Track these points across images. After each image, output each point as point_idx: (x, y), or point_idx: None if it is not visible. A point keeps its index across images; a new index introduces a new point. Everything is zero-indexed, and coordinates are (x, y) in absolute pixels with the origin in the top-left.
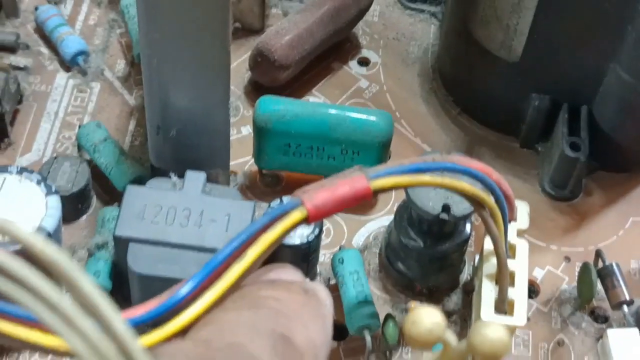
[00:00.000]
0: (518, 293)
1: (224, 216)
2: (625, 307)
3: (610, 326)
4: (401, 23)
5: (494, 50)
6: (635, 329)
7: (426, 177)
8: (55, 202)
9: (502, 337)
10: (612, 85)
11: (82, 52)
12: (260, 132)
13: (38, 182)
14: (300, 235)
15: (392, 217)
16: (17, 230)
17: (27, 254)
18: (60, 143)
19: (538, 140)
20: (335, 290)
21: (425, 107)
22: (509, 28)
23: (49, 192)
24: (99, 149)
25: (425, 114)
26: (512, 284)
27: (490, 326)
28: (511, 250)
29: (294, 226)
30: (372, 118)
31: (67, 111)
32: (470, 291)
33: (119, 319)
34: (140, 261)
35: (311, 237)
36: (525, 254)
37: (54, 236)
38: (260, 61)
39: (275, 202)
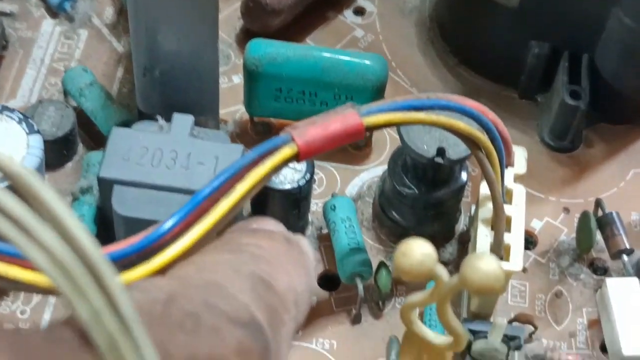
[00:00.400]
0: (514, 238)
1: (212, 159)
2: (624, 257)
3: (610, 277)
4: None
5: None
6: (635, 279)
7: (420, 115)
8: (37, 141)
9: (496, 270)
10: (614, 31)
11: None
12: (251, 76)
13: (19, 121)
14: (291, 180)
15: (386, 167)
16: None
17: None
18: (46, 90)
19: (537, 91)
20: (326, 240)
21: (422, 58)
22: None
23: (30, 131)
24: (85, 94)
25: (422, 65)
26: (509, 229)
27: (483, 258)
28: (508, 196)
29: (284, 163)
30: (367, 61)
31: (54, 58)
32: (466, 241)
33: (86, 236)
34: (125, 203)
35: (302, 182)
36: (523, 199)
37: None
38: (251, 6)
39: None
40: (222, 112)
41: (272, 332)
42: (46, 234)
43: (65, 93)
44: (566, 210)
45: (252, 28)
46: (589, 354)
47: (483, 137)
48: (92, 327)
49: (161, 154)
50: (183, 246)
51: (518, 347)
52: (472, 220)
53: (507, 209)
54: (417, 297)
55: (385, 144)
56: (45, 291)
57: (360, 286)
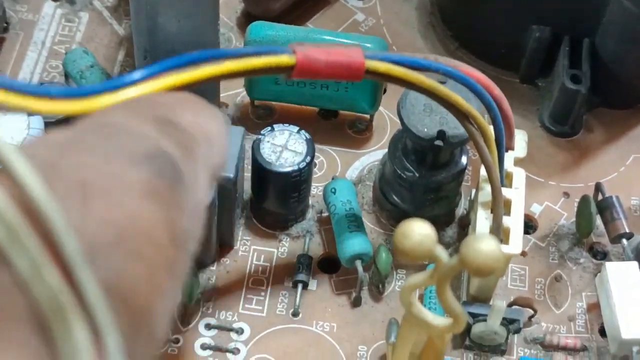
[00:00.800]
0: (514, 221)
1: None
2: (624, 241)
3: (609, 261)
4: None
5: None
6: (635, 263)
7: (421, 77)
8: (37, 122)
9: (495, 251)
10: (615, 15)
11: None
12: None
13: None
14: (292, 163)
15: (387, 150)
16: None
17: None
18: (47, 72)
19: (538, 76)
20: (327, 223)
21: (423, 42)
22: None
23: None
24: (86, 76)
25: (423, 49)
26: (508, 212)
27: (483, 239)
28: (508, 179)
29: (278, 68)
30: (367, 45)
31: (55, 40)
32: (466, 225)
33: None
34: None
35: (302, 165)
36: (523, 183)
37: None
38: None
39: (267, 129)
40: (223, 95)
41: (186, 166)
42: None
43: (66, 75)
44: (566, 194)
45: (253, 12)
46: (588, 337)
47: (480, 118)
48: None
49: None
50: (141, 93)
51: (517, 331)
52: (472, 204)
53: (507, 193)
54: (416, 278)
55: (386, 128)
56: None
57: (360, 269)
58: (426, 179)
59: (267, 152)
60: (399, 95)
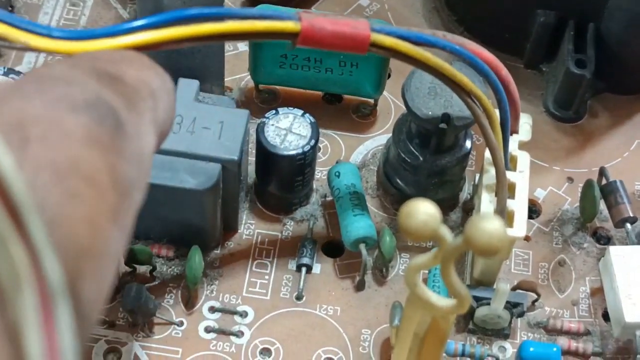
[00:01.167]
0: (518, 205)
1: (217, 123)
2: (628, 225)
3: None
4: None
5: None
6: (638, 247)
7: (427, 54)
8: None
9: (500, 230)
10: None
11: None
12: (256, 43)
13: None
14: (296, 146)
15: (391, 135)
16: None
17: None
18: (52, 57)
19: (543, 61)
20: (331, 207)
21: (428, 26)
22: None
23: None
24: None
25: None
26: (512, 195)
27: (488, 219)
28: (512, 163)
29: (282, 34)
30: None
31: (59, 24)
32: (470, 210)
33: None
34: None
35: (307, 148)
36: (527, 166)
37: None
38: None
39: (271, 113)
40: (228, 79)
41: (129, 115)
42: None
43: None
44: (570, 179)
45: None
46: (592, 322)
47: (485, 99)
48: None
49: None
50: (139, 40)
51: (521, 314)
52: (476, 188)
53: (511, 176)
54: (421, 259)
55: (390, 112)
56: None
57: (364, 253)
58: (430, 163)
59: (272, 135)
60: (404, 80)
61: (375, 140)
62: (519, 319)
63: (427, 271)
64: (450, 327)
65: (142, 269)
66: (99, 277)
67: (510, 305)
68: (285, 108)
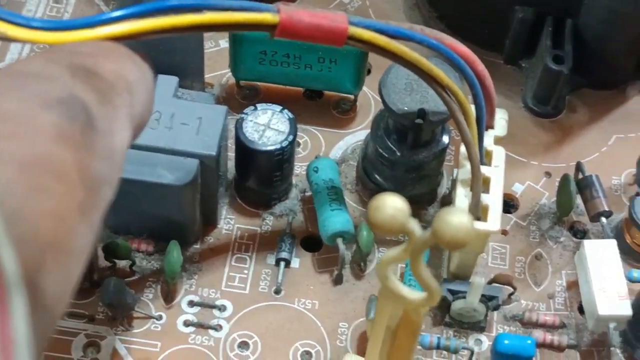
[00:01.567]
0: (492, 199)
1: (195, 119)
2: (603, 219)
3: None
4: None
5: None
6: (613, 240)
7: (405, 48)
8: None
9: (466, 224)
10: None
11: None
12: (235, 39)
13: None
14: (274, 142)
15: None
16: None
17: None
18: (35, 53)
19: (522, 56)
20: (310, 202)
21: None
22: None
23: None
24: None
25: None
26: (487, 190)
27: (454, 213)
28: (488, 157)
29: (261, 25)
30: None
31: None
32: (448, 204)
33: None
34: None
35: (285, 144)
36: (502, 161)
37: None
38: None
39: (250, 109)
40: (209, 76)
41: (101, 112)
42: None
43: None
44: (548, 174)
45: None
46: (567, 315)
47: (460, 94)
48: None
49: None
50: (118, 30)
51: (496, 307)
52: (454, 183)
53: (486, 170)
54: (392, 252)
55: (370, 108)
56: None
57: (341, 246)
58: (407, 158)
59: (250, 131)
60: None
61: (355, 136)
62: (495, 312)
63: (404, 265)
64: (422, 320)
65: (122, 263)
66: (65, 271)
67: (486, 299)
68: (264, 104)
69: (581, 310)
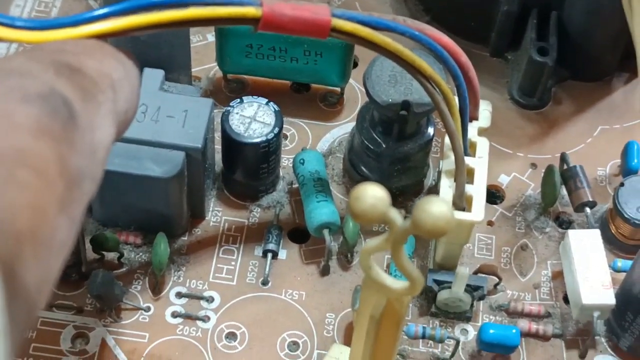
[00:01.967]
0: (476, 190)
1: (181, 112)
2: (587, 209)
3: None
4: None
5: None
6: (597, 230)
7: (387, 39)
8: None
9: (445, 212)
10: None
11: None
12: (222, 33)
13: None
14: (260, 134)
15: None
16: None
17: None
18: (23, 47)
19: (508, 49)
20: (297, 194)
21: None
22: None
23: None
24: None
25: None
26: (471, 181)
27: (434, 202)
28: (472, 148)
29: (244, 18)
30: None
31: (31, 17)
32: None
33: None
34: None
35: (270, 136)
36: (486, 152)
37: None
38: None
39: (235, 101)
40: (196, 69)
41: (83, 108)
42: None
43: None
44: (533, 165)
45: None
46: (552, 304)
47: (444, 85)
48: None
49: None
50: (102, 28)
51: (482, 297)
52: (440, 175)
53: (470, 161)
54: (374, 242)
55: (357, 101)
56: None
57: (327, 238)
58: (393, 150)
59: (236, 123)
60: None
61: (342, 129)
62: (480, 302)
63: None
64: (406, 310)
65: (110, 255)
66: (44, 263)
67: (471, 289)
68: (250, 97)
69: (566, 300)
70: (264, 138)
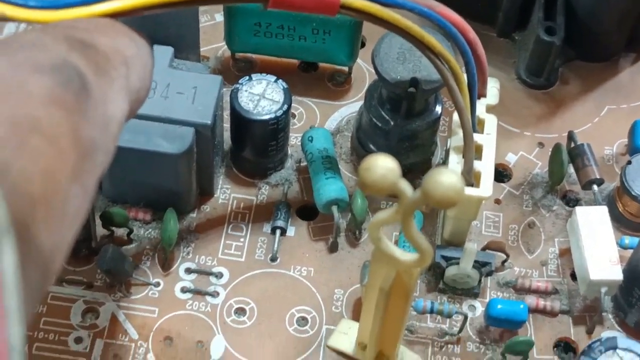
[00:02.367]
0: (484, 166)
1: (191, 88)
2: (595, 187)
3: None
4: None
5: None
6: (604, 207)
7: (397, 16)
8: None
9: (456, 183)
10: None
11: None
12: (230, 11)
13: None
14: (269, 111)
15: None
16: None
17: None
18: (32, 26)
19: (515, 29)
20: (305, 172)
21: None
22: None
23: None
24: None
25: None
26: (480, 157)
27: (444, 172)
28: (480, 126)
29: None
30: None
31: None
32: None
33: None
34: None
35: (279, 113)
36: (494, 129)
37: None
38: None
39: (244, 79)
40: (205, 49)
41: (96, 81)
42: None
43: None
44: (541, 144)
45: None
46: (560, 281)
47: (453, 61)
48: None
49: None
50: (114, 7)
51: (489, 273)
52: (448, 153)
53: (479, 138)
54: (384, 214)
55: (365, 80)
56: None
57: (336, 214)
58: (401, 127)
59: (245, 100)
60: None
61: (350, 107)
62: (488, 278)
63: (398, 233)
64: (415, 282)
65: (120, 232)
66: (57, 229)
67: (479, 265)
68: (259, 74)
69: (574, 277)
70: (272, 115)
